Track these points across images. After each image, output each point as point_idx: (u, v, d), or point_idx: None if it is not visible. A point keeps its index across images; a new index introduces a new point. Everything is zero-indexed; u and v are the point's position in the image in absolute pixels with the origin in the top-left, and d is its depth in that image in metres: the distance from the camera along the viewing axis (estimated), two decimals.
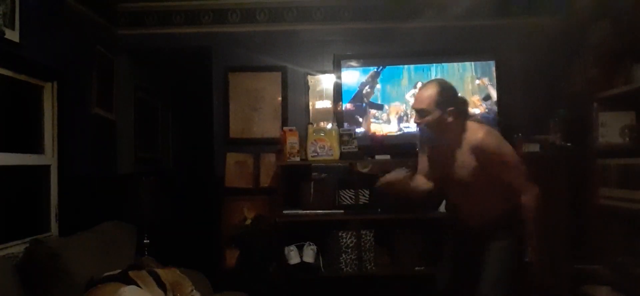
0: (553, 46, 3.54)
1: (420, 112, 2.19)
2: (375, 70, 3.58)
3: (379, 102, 3.58)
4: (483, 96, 3.55)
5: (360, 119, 3.59)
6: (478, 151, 2.12)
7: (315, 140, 3.23)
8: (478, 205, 2.23)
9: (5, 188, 2.51)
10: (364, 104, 3.58)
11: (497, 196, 2.19)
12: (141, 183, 3.28)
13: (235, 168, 3.79)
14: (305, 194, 3.32)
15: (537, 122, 3.35)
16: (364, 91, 3.58)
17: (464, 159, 2.16)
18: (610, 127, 2.83)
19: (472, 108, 3.36)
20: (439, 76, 3.47)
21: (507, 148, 2.17)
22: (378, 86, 3.59)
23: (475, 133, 2.15)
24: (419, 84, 3.34)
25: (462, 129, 2.18)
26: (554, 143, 3.17)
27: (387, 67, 3.59)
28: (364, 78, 3.60)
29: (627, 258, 2.64)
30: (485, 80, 3.55)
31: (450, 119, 2.14)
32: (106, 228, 2.76)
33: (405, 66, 3.58)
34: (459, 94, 2.31)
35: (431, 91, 2.17)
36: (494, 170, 2.13)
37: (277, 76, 3.82)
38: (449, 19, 3.69)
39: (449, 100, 2.15)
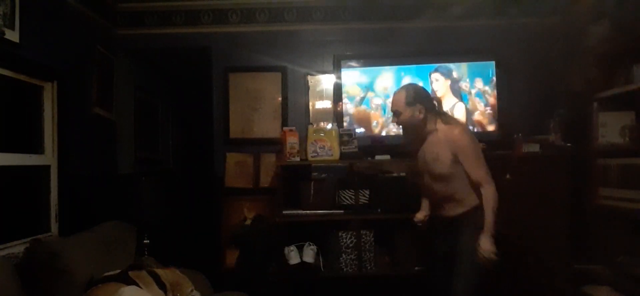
0: (553, 46, 3.53)
1: (395, 113, 2.44)
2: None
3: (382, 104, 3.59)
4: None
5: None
6: (452, 145, 2.27)
7: (315, 140, 3.23)
8: (449, 200, 2.36)
9: (5, 188, 2.51)
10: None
11: (467, 191, 2.30)
12: (141, 183, 3.29)
13: (235, 168, 3.79)
14: (305, 194, 3.31)
15: (537, 122, 3.35)
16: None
17: (438, 153, 2.31)
18: (610, 127, 2.83)
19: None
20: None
21: (475, 144, 2.33)
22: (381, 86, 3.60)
23: (450, 129, 2.32)
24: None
25: (434, 125, 2.36)
26: (554, 143, 3.16)
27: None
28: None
29: (627, 258, 2.64)
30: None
31: (420, 115, 2.35)
32: (106, 228, 2.76)
33: (407, 67, 3.59)
34: (428, 93, 2.49)
35: (401, 94, 2.41)
36: (465, 164, 2.27)
37: (277, 76, 3.83)
38: (449, 19, 3.69)
39: (416, 99, 2.36)
